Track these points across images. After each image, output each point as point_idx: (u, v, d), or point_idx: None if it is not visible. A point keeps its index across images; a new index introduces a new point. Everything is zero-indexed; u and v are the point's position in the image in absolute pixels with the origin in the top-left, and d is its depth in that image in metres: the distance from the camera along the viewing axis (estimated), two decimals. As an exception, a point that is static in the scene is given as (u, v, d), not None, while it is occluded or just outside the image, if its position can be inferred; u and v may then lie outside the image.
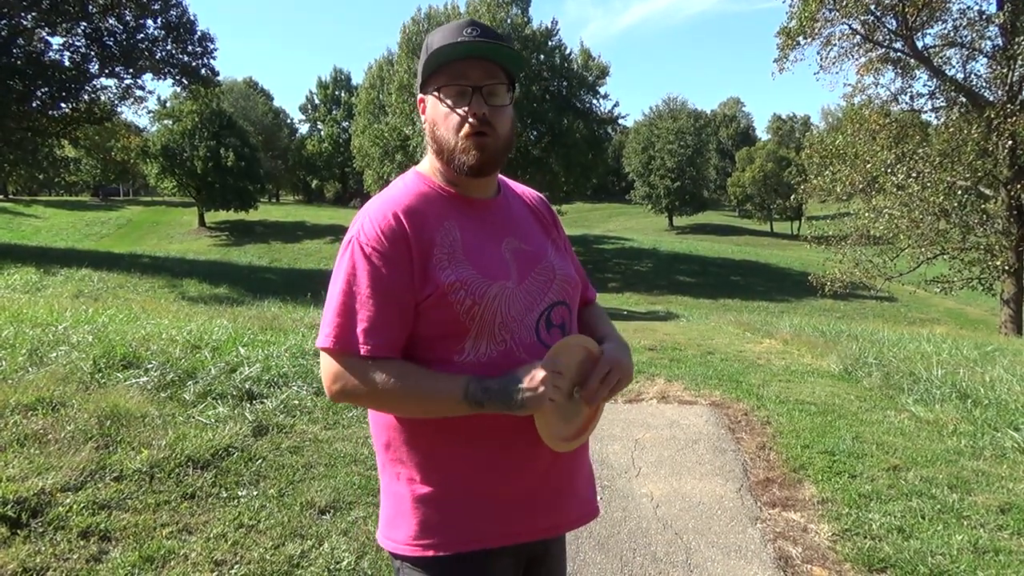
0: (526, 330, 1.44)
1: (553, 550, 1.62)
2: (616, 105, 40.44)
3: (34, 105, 26.13)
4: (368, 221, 1.43)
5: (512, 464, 1.44)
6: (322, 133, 76.10)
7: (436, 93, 1.46)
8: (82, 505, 3.16)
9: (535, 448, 1.43)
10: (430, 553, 1.43)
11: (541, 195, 1.73)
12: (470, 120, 1.42)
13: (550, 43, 36.92)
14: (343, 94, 74.75)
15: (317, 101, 78.08)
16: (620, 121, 42.86)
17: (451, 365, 1.40)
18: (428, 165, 1.54)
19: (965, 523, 3.54)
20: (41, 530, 2.96)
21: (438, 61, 1.44)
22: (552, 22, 37.41)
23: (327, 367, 1.41)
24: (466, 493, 1.44)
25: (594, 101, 39.15)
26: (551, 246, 1.59)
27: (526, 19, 36.35)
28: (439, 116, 1.45)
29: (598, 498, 1.69)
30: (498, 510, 1.45)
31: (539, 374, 1.34)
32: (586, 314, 1.72)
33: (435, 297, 1.38)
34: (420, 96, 1.52)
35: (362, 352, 1.38)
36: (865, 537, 3.39)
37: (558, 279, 1.53)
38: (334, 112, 75.78)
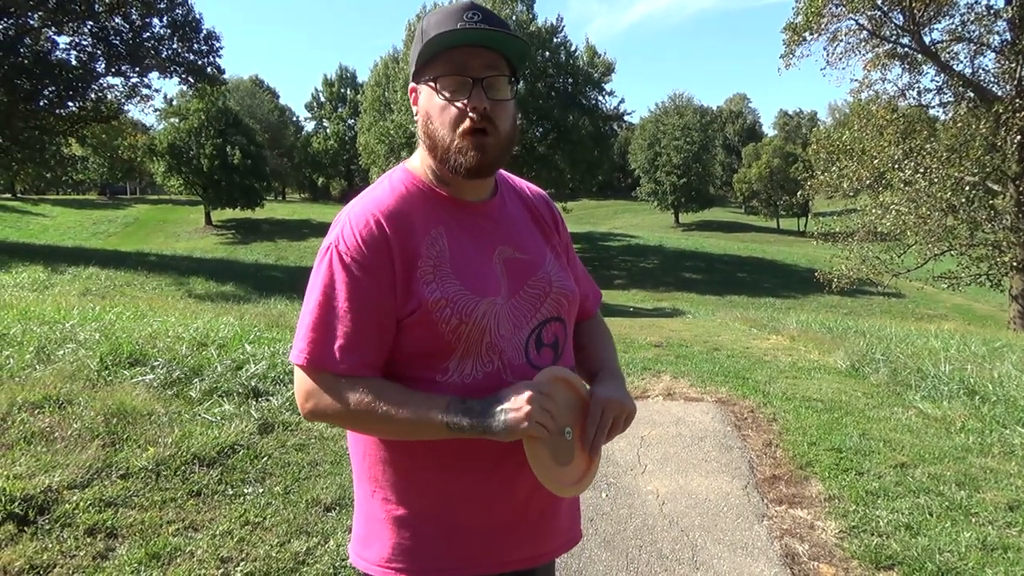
0: (514, 350, 1.33)
1: (540, 571, 1.49)
2: (622, 102, 40.67)
3: (41, 104, 26.22)
4: (348, 227, 1.31)
5: (494, 490, 1.34)
6: (328, 131, 76.09)
7: (432, 83, 1.32)
8: (88, 503, 3.17)
9: (519, 474, 1.32)
10: None
11: (544, 194, 1.60)
12: (470, 115, 1.28)
13: (555, 40, 36.88)
14: (349, 91, 74.72)
15: (323, 99, 78.09)
16: (626, 118, 42.87)
17: (433, 385, 1.30)
18: (419, 161, 1.41)
19: (973, 520, 3.52)
20: (48, 527, 2.97)
21: (435, 49, 1.30)
22: (557, 19, 37.47)
23: (300, 384, 1.31)
24: (444, 518, 1.34)
25: (599, 98, 39.13)
26: (550, 253, 1.47)
27: (531, 16, 36.32)
28: (434, 109, 1.32)
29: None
30: (477, 538, 1.35)
31: (525, 395, 1.22)
32: (584, 333, 1.58)
33: (419, 314, 1.28)
34: (412, 85, 1.38)
35: (338, 370, 1.27)
36: (872, 534, 3.38)
37: (553, 292, 1.41)
38: (340, 110, 75.76)
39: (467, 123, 1.29)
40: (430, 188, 1.38)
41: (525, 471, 1.30)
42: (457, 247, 1.34)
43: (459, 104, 1.30)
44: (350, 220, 1.32)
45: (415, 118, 1.39)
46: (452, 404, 1.25)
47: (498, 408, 1.23)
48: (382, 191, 1.37)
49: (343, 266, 1.28)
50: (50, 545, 2.85)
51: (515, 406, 1.22)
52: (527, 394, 1.23)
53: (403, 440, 1.34)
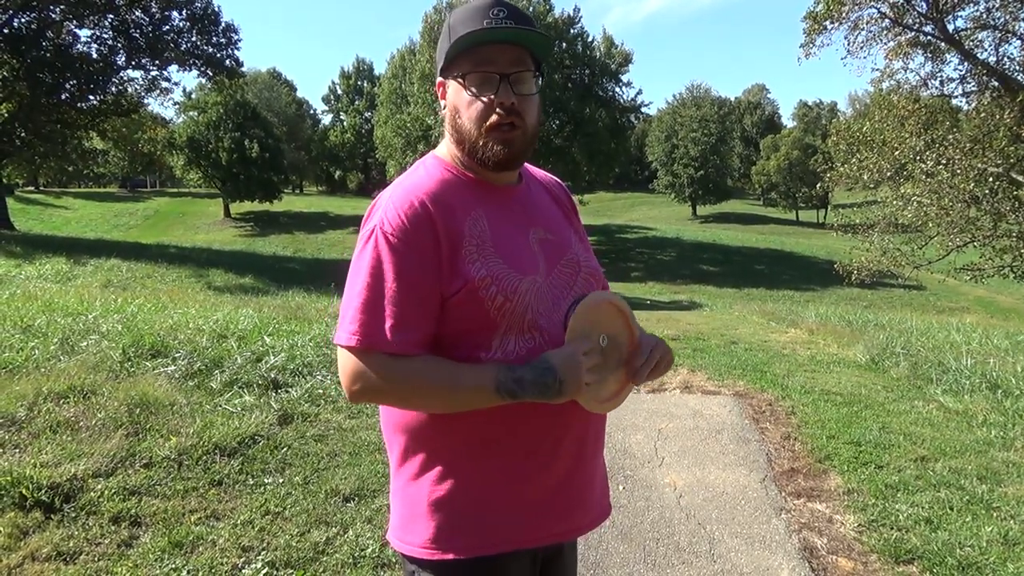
0: (554, 326, 1.36)
1: (567, 548, 1.57)
2: (639, 93, 40.62)
3: (63, 98, 26.55)
4: (392, 209, 1.32)
5: (533, 469, 1.38)
6: (345, 123, 76.30)
7: (459, 79, 1.35)
8: (113, 491, 3.22)
9: (556, 453, 1.39)
10: (448, 556, 1.37)
11: (559, 180, 1.65)
12: (497, 110, 1.32)
13: (572, 31, 36.74)
14: (366, 84, 74.89)
15: (340, 91, 78.29)
16: (643, 109, 42.63)
17: (477, 362, 1.32)
18: (446, 151, 1.44)
19: (995, 514, 3.48)
20: (74, 515, 3.03)
21: (463, 45, 1.33)
22: (574, 9, 37.36)
23: (348, 366, 1.30)
24: (484, 497, 1.37)
25: (617, 89, 38.97)
26: (574, 235, 1.52)
27: (548, 6, 36.17)
28: (462, 104, 1.35)
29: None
30: (517, 514, 1.39)
31: (575, 358, 1.27)
32: None
33: (464, 292, 1.30)
34: (440, 80, 1.41)
35: (390, 350, 1.28)
36: (892, 528, 3.36)
37: (583, 272, 1.47)
38: (357, 102, 75.95)
39: (494, 118, 1.33)
40: (463, 173, 1.41)
41: (564, 450, 1.38)
42: (497, 228, 1.38)
43: (486, 99, 1.33)
44: (393, 203, 1.34)
45: (442, 112, 1.42)
46: (502, 373, 1.28)
47: (551, 377, 1.27)
48: (419, 176, 1.40)
49: (389, 246, 1.30)
50: (76, 532, 2.91)
51: (566, 369, 1.27)
52: (577, 359, 1.28)
53: (439, 423, 1.36)
